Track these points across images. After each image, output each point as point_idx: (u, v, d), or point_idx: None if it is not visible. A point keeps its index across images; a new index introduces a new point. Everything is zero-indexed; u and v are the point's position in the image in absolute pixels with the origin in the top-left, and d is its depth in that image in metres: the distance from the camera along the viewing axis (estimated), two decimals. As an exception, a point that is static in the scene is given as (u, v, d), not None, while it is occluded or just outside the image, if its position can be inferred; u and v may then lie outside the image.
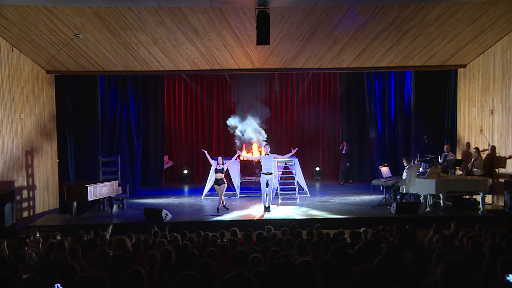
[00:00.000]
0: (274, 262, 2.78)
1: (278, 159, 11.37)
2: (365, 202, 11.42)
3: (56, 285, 3.51)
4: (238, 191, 12.49)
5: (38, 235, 7.52)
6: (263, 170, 10.37)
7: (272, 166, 10.56)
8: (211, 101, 15.45)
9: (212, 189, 11.78)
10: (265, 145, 10.87)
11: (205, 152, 11.24)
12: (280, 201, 11.48)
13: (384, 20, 9.42)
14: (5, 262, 5.00)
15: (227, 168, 11.16)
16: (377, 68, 12.01)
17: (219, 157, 10.90)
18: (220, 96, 15.51)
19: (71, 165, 12.07)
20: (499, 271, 3.57)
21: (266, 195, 10.39)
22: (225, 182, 10.84)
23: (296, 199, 11.62)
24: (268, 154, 10.47)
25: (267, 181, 10.31)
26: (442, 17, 9.38)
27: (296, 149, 10.86)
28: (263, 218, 10.04)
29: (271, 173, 10.38)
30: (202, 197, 12.42)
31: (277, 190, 11.59)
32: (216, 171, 10.78)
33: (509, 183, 10.07)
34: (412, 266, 4.51)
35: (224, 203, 10.91)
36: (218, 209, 10.60)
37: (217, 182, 10.77)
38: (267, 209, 10.43)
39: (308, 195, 12.35)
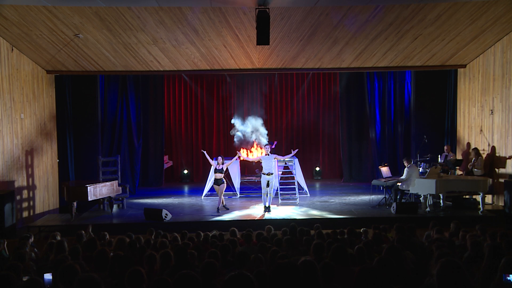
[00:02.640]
0: (278, 262, 2.77)
1: (278, 159, 11.37)
2: (365, 202, 11.42)
3: None
4: (238, 191, 12.49)
5: (38, 235, 7.53)
6: (264, 171, 10.37)
7: (273, 166, 10.56)
8: (211, 101, 15.46)
9: (212, 189, 11.77)
10: (266, 145, 10.87)
11: (205, 152, 11.22)
12: (280, 201, 11.48)
13: (384, 20, 9.42)
14: (5, 262, 5.01)
15: (227, 168, 11.16)
16: (377, 68, 12.01)
17: (219, 157, 10.89)
18: (220, 96, 15.51)
19: (71, 165, 12.06)
20: (500, 271, 3.57)
21: (267, 195, 10.40)
22: (225, 182, 10.84)
23: (296, 199, 11.62)
24: (268, 155, 10.47)
25: (268, 181, 10.32)
26: (442, 17, 9.38)
27: (296, 150, 10.86)
28: (263, 218, 10.05)
29: (271, 173, 10.39)
30: (202, 197, 12.42)
31: (277, 190, 11.60)
32: (216, 171, 10.78)
33: (509, 183, 10.07)
34: (412, 266, 4.51)
35: (224, 203, 10.90)
36: (218, 209, 10.60)
37: (217, 182, 10.77)
38: (267, 209, 10.42)
39: (308, 195, 12.36)
